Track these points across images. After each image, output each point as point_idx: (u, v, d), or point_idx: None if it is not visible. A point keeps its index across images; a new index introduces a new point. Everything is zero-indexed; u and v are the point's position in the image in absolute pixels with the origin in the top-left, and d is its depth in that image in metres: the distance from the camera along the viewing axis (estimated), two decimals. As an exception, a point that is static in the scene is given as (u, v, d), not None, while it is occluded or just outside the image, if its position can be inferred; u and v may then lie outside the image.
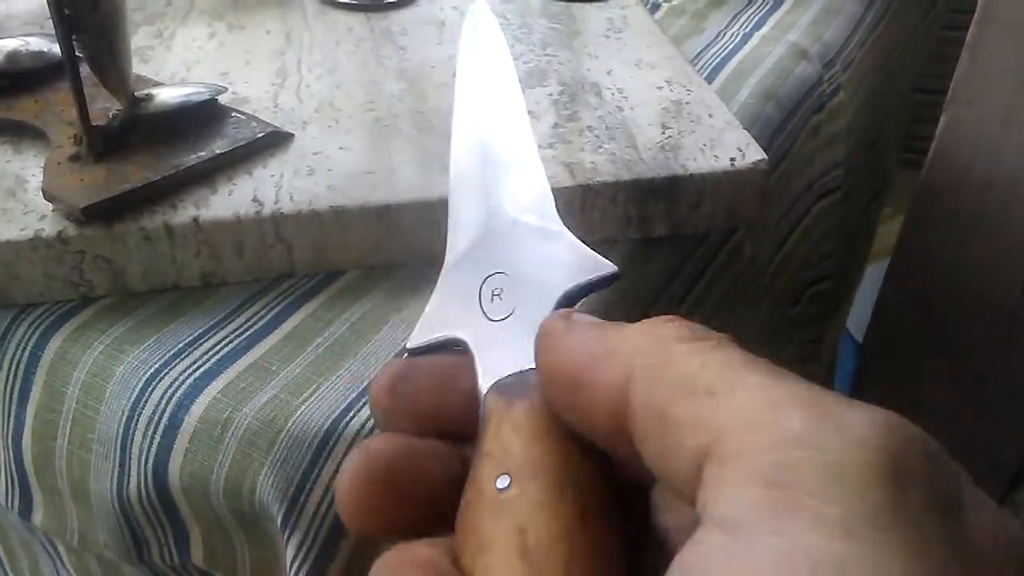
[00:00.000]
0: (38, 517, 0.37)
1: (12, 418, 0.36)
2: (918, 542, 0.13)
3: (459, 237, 0.25)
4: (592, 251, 0.23)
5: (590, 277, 0.22)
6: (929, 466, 0.14)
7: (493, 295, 0.23)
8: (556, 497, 0.18)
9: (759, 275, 0.50)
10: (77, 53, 0.35)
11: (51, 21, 0.50)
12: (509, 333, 0.22)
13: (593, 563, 0.17)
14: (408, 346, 0.23)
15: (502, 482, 0.18)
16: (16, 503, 0.37)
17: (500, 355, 0.21)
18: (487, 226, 0.25)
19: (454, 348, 0.22)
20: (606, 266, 0.22)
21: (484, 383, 0.21)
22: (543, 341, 0.19)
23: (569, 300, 0.22)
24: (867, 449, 0.14)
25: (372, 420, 0.32)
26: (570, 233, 0.24)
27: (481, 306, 0.23)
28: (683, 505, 0.16)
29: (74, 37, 0.35)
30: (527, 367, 0.20)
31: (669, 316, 0.18)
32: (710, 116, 0.42)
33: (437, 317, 0.23)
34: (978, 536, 0.14)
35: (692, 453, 0.15)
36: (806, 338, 0.63)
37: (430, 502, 0.19)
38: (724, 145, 0.40)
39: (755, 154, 0.40)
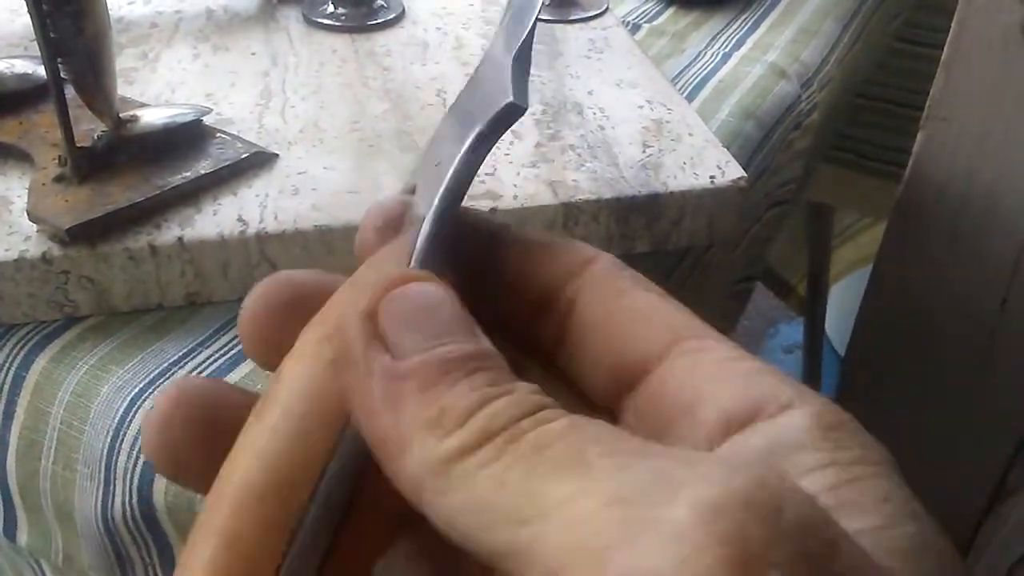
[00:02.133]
0: (23, 537, 0.37)
1: (-4, 439, 0.36)
2: None
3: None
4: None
5: (496, 109, 0.19)
6: (788, 547, 0.12)
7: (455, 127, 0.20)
8: None
9: (712, 279, 0.51)
10: (62, 75, 0.35)
11: (35, 43, 0.50)
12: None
13: None
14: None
15: None
16: (0, 523, 0.37)
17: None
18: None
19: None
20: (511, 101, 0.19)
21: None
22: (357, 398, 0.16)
23: (480, 145, 0.19)
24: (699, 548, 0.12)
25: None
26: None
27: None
28: None
29: (59, 60, 0.35)
30: None
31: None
32: (690, 135, 0.43)
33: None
34: None
35: None
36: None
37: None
38: (704, 163, 0.41)
39: (734, 172, 0.40)
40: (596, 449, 0.13)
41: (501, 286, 0.19)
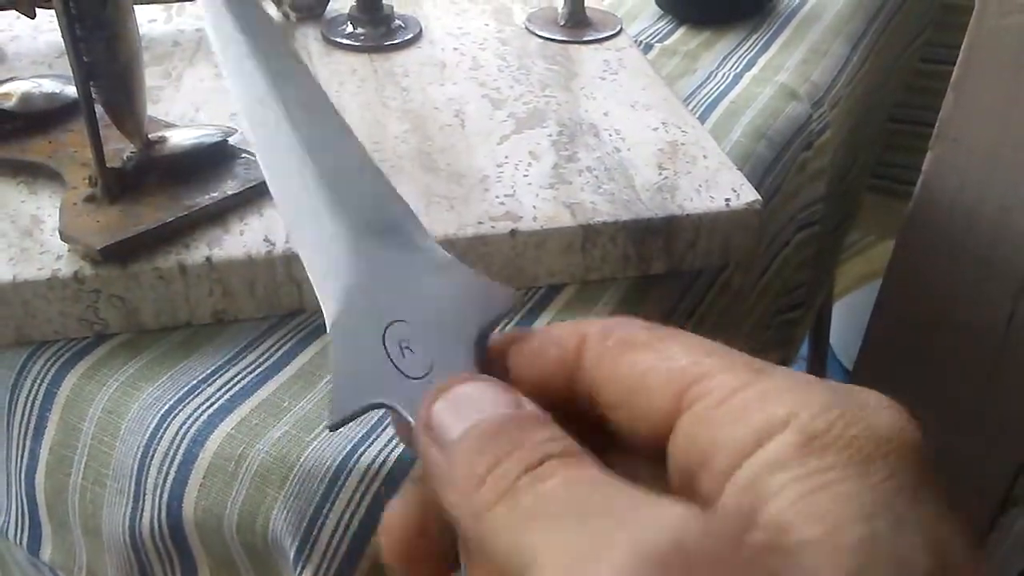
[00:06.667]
0: (47, 552, 0.38)
1: (26, 453, 0.36)
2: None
3: (328, 283, 0.23)
4: (482, 275, 0.22)
5: (499, 311, 0.21)
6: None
7: (402, 348, 0.21)
8: None
9: (743, 305, 0.51)
10: (94, 98, 0.36)
11: (60, 60, 0.51)
12: None
13: None
14: (328, 424, 0.21)
15: None
16: (24, 538, 0.38)
17: None
18: (357, 263, 0.22)
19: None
20: (507, 293, 0.21)
21: None
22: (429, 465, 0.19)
23: (483, 340, 0.21)
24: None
25: (382, 456, 0.33)
26: (444, 250, 0.22)
27: (394, 363, 0.21)
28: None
29: (91, 83, 0.36)
30: None
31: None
32: (705, 157, 0.44)
33: (350, 385, 0.21)
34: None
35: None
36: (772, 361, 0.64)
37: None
38: (719, 186, 0.42)
39: (749, 195, 0.41)
40: (572, 507, 0.16)
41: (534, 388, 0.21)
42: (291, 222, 0.25)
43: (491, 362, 0.21)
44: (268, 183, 0.25)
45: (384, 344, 0.21)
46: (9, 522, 0.38)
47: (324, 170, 0.24)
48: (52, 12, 0.49)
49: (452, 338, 0.21)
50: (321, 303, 0.22)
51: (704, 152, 0.44)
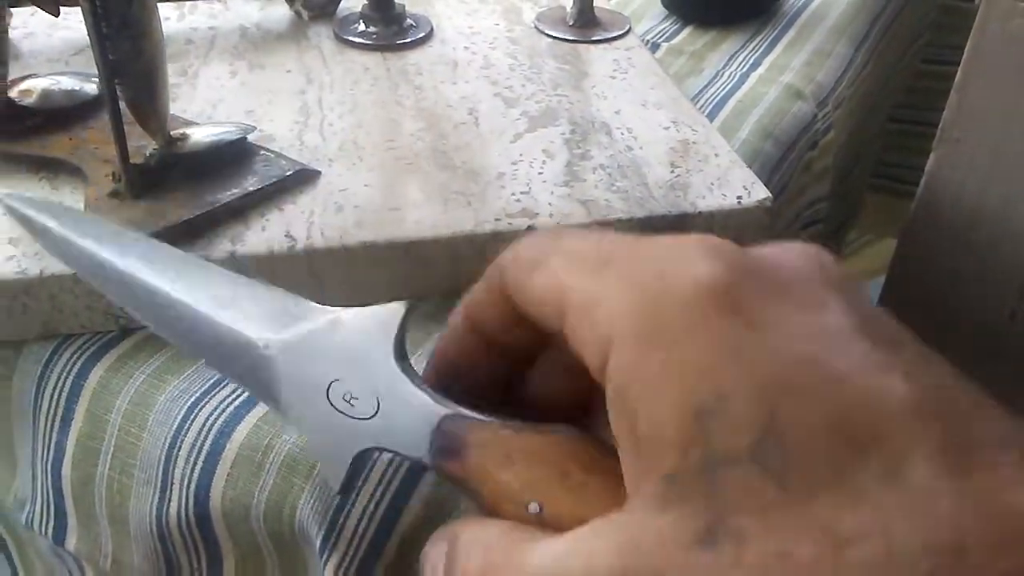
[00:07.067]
0: (72, 541, 0.38)
1: (52, 445, 0.37)
2: None
3: (271, 390, 0.26)
4: (365, 308, 0.25)
5: (395, 323, 0.24)
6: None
7: (347, 401, 0.24)
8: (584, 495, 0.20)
9: None
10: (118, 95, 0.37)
11: (76, 58, 0.52)
12: (396, 418, 0.23)
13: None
14: (336, 494, 0.26)
15: (533, 507, 0.20)
16: (50, 528, 0.39)
17: (406, 425, 0.23)
18: (272, 362, 0.26)
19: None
20: (392, 308, 0.25)
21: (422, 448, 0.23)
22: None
23: (401, 351, 0.24)
24: None
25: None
26: (320, 306, 0.26)
27: (349, 416, 0.24)
28: None
29: (116, 81, 0.37)
30: (440, 417, 0.23)
31: None
32: (716, 155, 0.45)
33: (329, 454, 0.25)
34: None
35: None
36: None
37: None
38: (730, 184, 0.42)
39: (760, 192, 0.42)
40: None
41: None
42: (209, 360, 0.28)
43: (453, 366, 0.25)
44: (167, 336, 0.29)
45: (333, 406, 0.24)
46: (34, 513, 0.39)
47: (203, 305, 0.27)
48: (68, 9, 0.50)
49: (376, 368, 0.24)
50: (281, 412, 0.26)
51: (715, 150, 0.45)
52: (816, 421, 0.16)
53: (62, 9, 0.48)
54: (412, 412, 0.23)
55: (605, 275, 0.19)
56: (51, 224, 0.30)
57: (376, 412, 0.24)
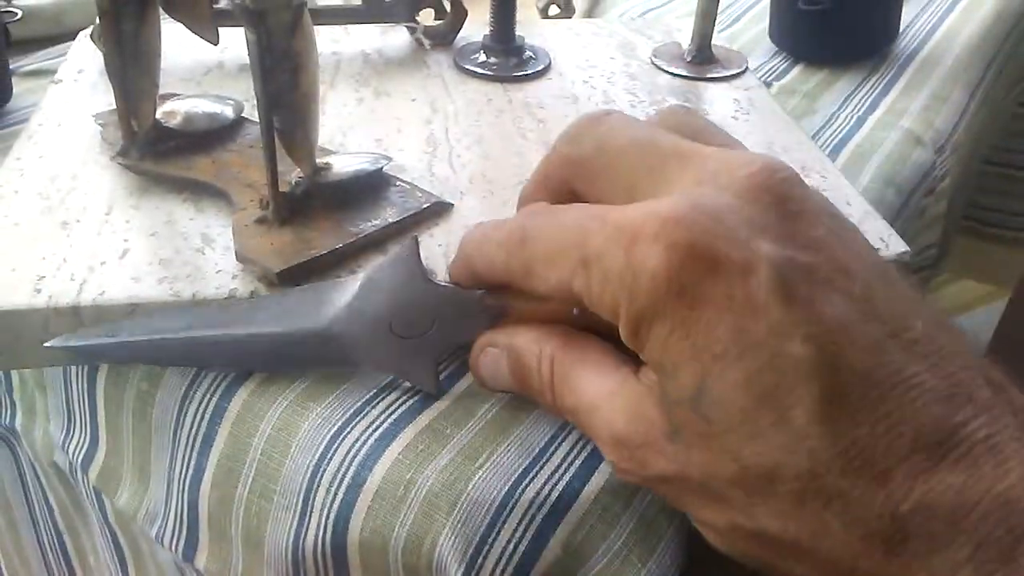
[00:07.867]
0: (201, 559, 0.39)
1: (192, 465, 0.38)
2: None
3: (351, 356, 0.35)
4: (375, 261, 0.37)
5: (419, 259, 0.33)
6: None
7: (408, 327, 0.33)
8: None
9: None
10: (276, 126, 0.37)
11: (207, 78, 0.53)
12: (450, 319, 0.33)
13: None
14: (435, 394, 0.36)
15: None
16: (180, 545, 0.39)
17: (459, 319, 0.33)
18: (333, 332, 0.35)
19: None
20: (410, 246, 0.33)
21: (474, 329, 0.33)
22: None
23: (432, 278, 0.34)
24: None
25: (546, 489, 0.34)
26: (338, 279, 0.36)
27: (416, 337, 0.34)
28: None
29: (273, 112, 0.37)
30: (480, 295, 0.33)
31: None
32: (848, 204, 0.44)
33: (414, 373, 0.35)
34: None
35: None
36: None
37: None
38: (866, 235, 0.42)
39: (898, 245, 0.41)
40: None
41: None
42: (287, 366, 0.37)
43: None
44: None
45: (402, 337, 0.33)
46: (165, 529, 0.40)
47: (263, 327, 0.36)
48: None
49: (416, 293, 0.33)
50: (361, 369, 0.36)
51: (847, 199, 0.44)
52: (734, 379, 0.24)
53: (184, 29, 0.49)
54: (461, 306, 0.32)
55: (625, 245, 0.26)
56: (107, 340, 0.35)
57: (434, 324, 0.33)
